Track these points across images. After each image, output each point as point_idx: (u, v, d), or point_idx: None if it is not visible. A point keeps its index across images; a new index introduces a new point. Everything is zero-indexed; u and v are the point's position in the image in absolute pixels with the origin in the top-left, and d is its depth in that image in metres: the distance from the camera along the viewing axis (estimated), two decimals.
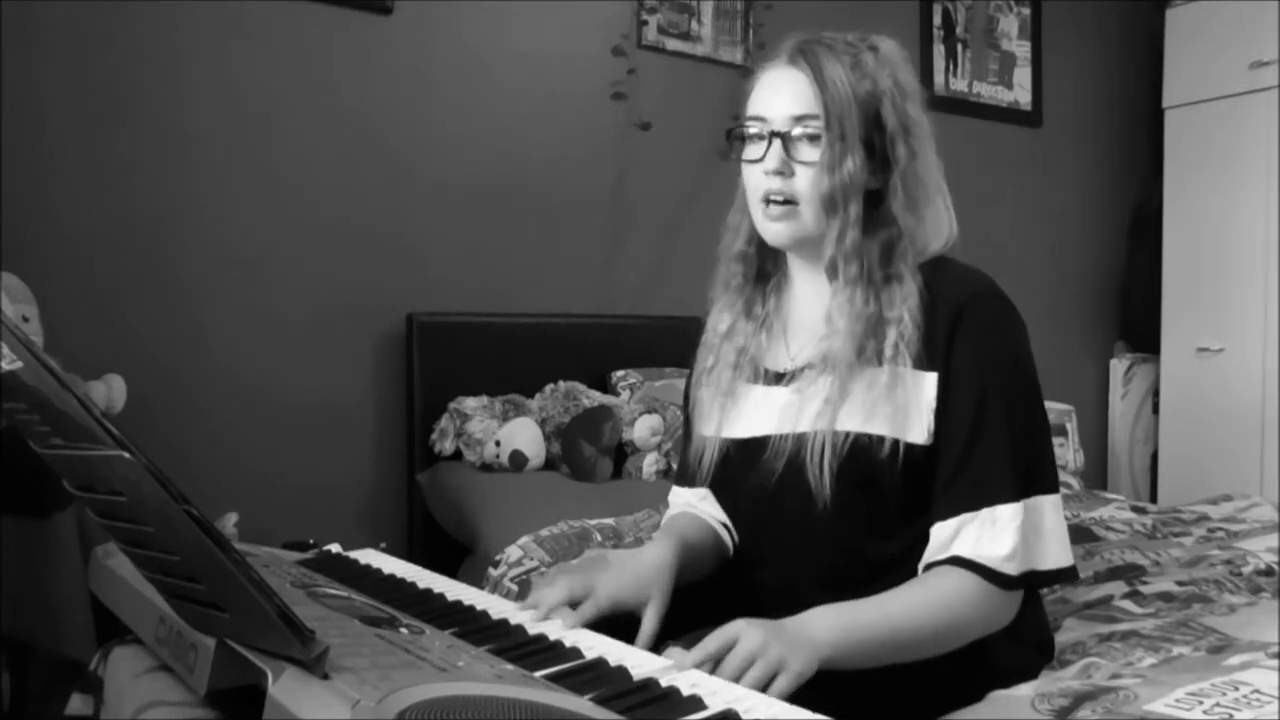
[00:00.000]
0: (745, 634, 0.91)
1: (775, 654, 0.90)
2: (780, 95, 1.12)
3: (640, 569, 1.10)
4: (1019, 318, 1.13)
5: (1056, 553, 1.07)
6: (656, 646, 1.00)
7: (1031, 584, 1.07)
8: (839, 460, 1.07)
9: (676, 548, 1.15)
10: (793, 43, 1.14)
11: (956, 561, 1.05)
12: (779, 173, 1.11)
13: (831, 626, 0.97)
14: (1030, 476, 1.07)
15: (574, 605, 1.05)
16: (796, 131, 1.11)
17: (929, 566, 1.08)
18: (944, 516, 1.06)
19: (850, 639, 0.97)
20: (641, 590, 1.08)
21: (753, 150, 1.14)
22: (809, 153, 1.11)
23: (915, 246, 1.12)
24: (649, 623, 1.06)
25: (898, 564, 1.09)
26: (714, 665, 0.90)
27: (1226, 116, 3.64)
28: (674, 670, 0.86)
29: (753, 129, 1.14)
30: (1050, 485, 1.09)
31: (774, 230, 1.14)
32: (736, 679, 0.88)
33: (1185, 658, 1.16)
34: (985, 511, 1.05)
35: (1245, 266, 3.60)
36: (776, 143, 1.11)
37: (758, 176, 1.13)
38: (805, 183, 1.11)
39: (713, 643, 0.91)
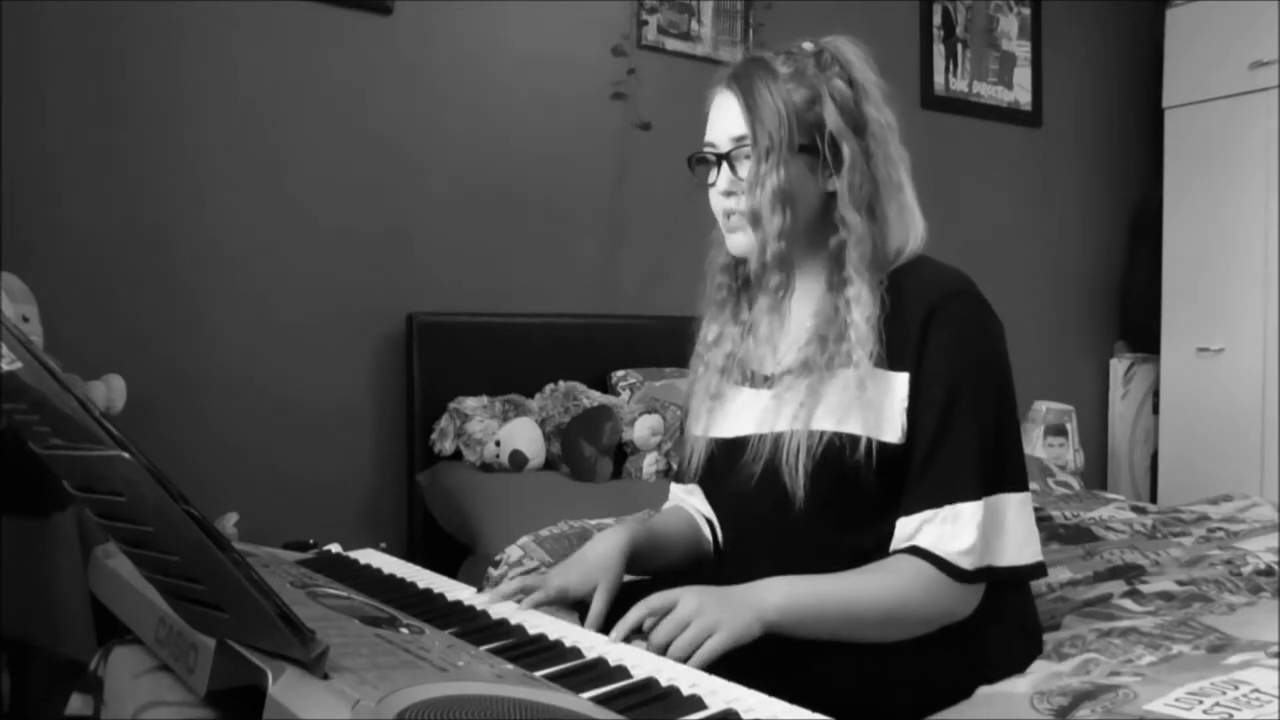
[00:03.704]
0: (683, 598, 0.97)
1: (710, 618, 0.95)
2: (720, 120, 1.18)
3: (587, 558, 1.15)
4: (992, 315, 1.15)
5: (1017, 550, 1.10)
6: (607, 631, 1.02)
7: (989, 579, 1.09)
8: (814, 459, 1.10)
9: (629, 534, 1.19)
10: (733, 66, 1.19)
11: (915, 551, 1.08)
12: (729, 192, 1.17)
13: (781, 592, 1.01)
14: (995, 475, 1.09)
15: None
16: (736, 152, 1.16)
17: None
18: (908, 512, 1.09)
19: (799, 605, 1.00)
20: (588, 578, 1.12)
21: (710, 174, 1.19)
22: (748, 171, 1.15)
23: (862, 248, 1.13)
24: (596, 605, 1.10)
25: (873, 558, 1.11)
26: (655, 623, 0.96)
27: (1226, 116, 3.64)
28: (615, 645, 0.92)
29: (706, 154, 1.20)
30: (1016, 484, 1.11)
31: (733, 241, 1.20)
32: (669, 641, 0.93)
33: (1185, 656, 1.16)
34: (947, 508, 1.07)
35: (1245, 266, 3.60)
36: (724, 165, 1.17)
37: (715, 198, 1.20)
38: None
39: (655, 600, 0.97)
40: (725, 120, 1.16)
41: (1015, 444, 1.13)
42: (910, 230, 1.17)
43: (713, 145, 1.18)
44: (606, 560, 1.14)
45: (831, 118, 1.12)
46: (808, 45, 1.17)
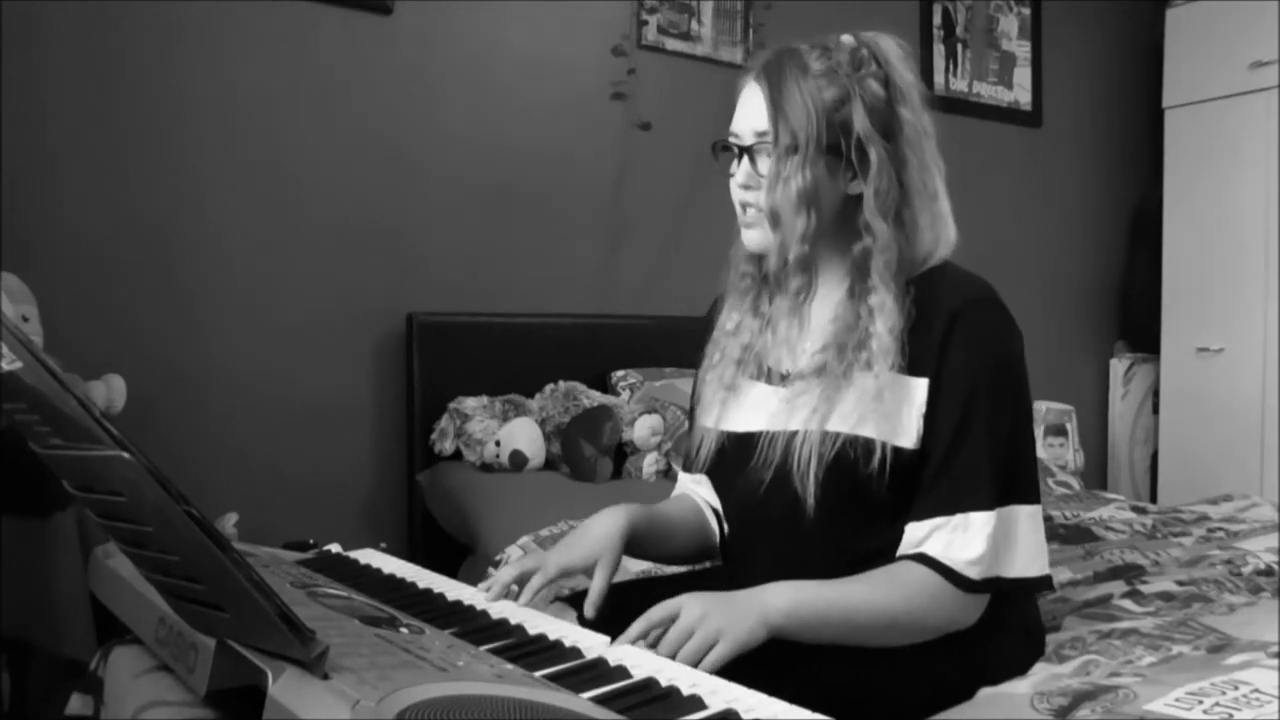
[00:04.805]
0: (686, 606, 0.96)
1: (714, 625, 0.95)
2: (745, 112, 1.16)
3: (586, 536, 1.15)
4: (1014, 327, 1.14)
5: (1026, 562, 1.09)
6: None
7: (996, 590, 1.08)
8: (826, 461, 1.09)
9: (629, 515, 1.18)
10: (765, 56, 1.16)
11: (923, 559, 1.07)
12: (746, 186, 1.16)
13: (785, 597, 1.01)
14: (1009, 486, 1.08)
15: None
16: (758, 146, 1.14)
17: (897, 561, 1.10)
18: (919, 518, 1.09)
19: (803, 611, 1.00)
20: (589, 556, 1.12)
21: (732, 164, 1.18)
22: (768, 167, 1.13)
23: (887, 256, 1.11)
24: (596, 583, 1.09)
25: (881, 562, 1.11)
26: (659, 635, 0.95)
27: (1226, 116, 3.64)
28: (617, 647, 0.91)
29: (730, 143, 1.18)
30: (1029, 496, 1.11)
31: (748, 236, 1.19)
32: (673, 652, 0.93)
33: (1185, 656, 1.16)
34: (959, 517, 1.07)
35: (1245, 266, 3.60)
36: (745, 158, 1.15)
37: (734, 189, 1.18)
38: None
39: (656, 613, 0.96)
40: (750, 112, 1.15)
41: (1030, 455, 1.12)
42: (941, 239, 1.15)
43: (736, 136, 1.17)
44: (607, 538, 1.14)
45: (860, 120, 1.10)
46: (847, 39, 1.15)
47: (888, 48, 1.15)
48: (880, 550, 1.11)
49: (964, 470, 1.07)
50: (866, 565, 1.10)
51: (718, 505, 1.32)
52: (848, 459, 1.09)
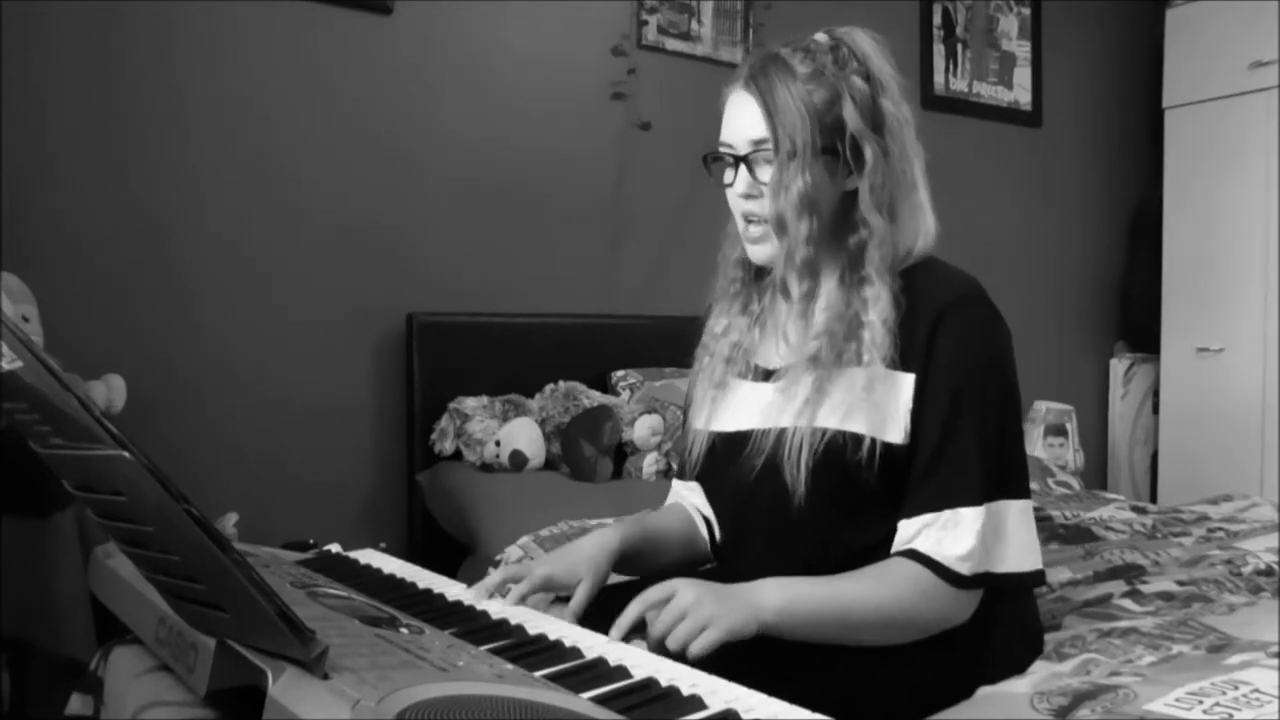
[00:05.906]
0: (680, 590, 0.98)
1: (706, 611, 0.95)
2: (738, 121, 1.16)
3: (575, 552, 1.16)
4: (1002, 324, 1.14)
5: (1017, 557, 1.09)
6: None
7: (987, 585, 1.09)
8: (815, 457, 1.10)
9: (622, 536, 1.20)
10: (749, 63, 1.17)
11: (914, 555, 1.07)
12: (748, 195, 1.16)
13: (777, 595, 1.01)
14: (997, 481, 1.09)
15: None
16: (755, 155, 1.14)
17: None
18: (909, 515, 1.09)
19: (795, 609, 1.01)
20: (574, 571, 1.13)
21: (727, 175, 1.18)
22: (768, 174, 1.14)
23: (883, 250, 1.12)
24: (577, 598, 1.11)
25: (872, 557, 1.11)
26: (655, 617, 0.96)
27: (1226, 116, 3.64)
28: (616, 646, 0.92)
29: (724, 154, 1.18)
30: (1018, 491, 1.11)
31: (755, 251, 1.20)
32: (665, 634, 0.94)
33: (1185, 656, 1.16)
34: (948, 513, 1.07)
35: (1245, 266, 3.60)
36: (742, 168, 1.15)
37: (734, 199, 1.19)
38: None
39: (653, 594, 0.98)
40: (743, 122, 1.14)
41: (1019, 451, 1.13)
42: (920, 230, 1.16)
43: (730, 146, 1.17)
44: (595, 557, 1.15)
45: (852, 118, 1.11)
46: (822, 38, 1.15)
47: (863, 41, 1.16)
48: (870, 546, 1.11)
49: (953, 466, 1.08)
50: (856, 560, 1.10)
51: (709, 513, 1.33)
52: (836, 453, 1.09)
